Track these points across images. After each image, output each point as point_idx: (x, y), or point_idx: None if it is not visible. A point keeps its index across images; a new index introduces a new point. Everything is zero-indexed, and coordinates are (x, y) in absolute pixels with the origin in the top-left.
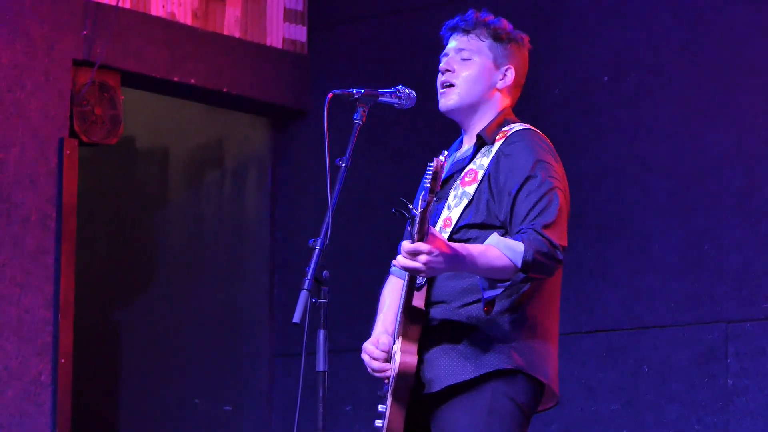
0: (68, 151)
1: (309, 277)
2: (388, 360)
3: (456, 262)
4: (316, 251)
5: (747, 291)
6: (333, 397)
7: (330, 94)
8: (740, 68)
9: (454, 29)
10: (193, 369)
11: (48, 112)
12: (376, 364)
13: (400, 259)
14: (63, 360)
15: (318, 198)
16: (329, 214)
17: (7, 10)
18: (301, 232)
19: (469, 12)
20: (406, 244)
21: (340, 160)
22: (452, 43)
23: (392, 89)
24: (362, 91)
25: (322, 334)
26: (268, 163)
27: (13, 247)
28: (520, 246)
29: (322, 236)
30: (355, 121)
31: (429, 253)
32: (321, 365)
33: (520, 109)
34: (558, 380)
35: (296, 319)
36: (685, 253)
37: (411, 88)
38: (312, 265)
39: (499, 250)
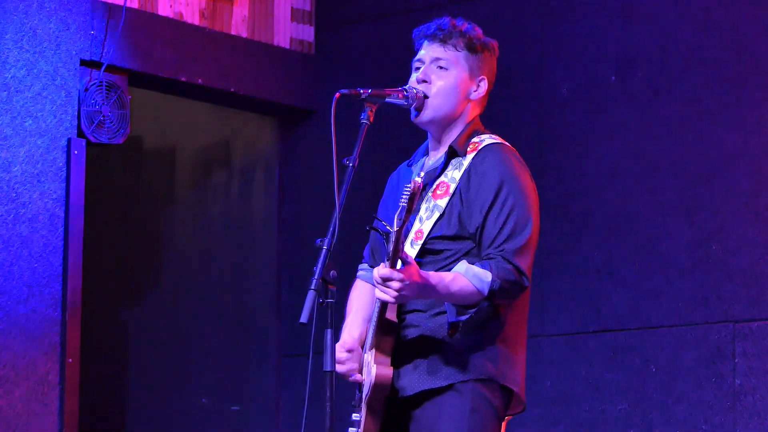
0: (76, 151)
1: (316, 277)
2: (353, 361)
3: (425, 290)
4: (324, 251)
5: (755, 291)
6: (340, 396)
7: (337, 94)
8: (747, 67)
9: (432, 38)
10: (200, 369)
11: (55, 112)
12: (343, 368)
13: (376, 292)
14: (71, 360)
15: (325, 198)
16: (336, 214)
17: (14, 9)
18: (308, 232)
19: (445, 19)
20: (381, 269)
21: (347, 160)
22: (428, 51)
23: (399, 89)
24: (369, 90)
25: (329, 333)
26: (275, 163)
27: (20, 246)
28: (487, 275)
29: (329, 236)
30: (362, 121)
31: (401, 281)
32: (328, 365)
33: (528, 110)
34: (525, 386)
35: (303, 319)
36: (693, 252)
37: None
38: (319, 265)
39: (467, 279)
